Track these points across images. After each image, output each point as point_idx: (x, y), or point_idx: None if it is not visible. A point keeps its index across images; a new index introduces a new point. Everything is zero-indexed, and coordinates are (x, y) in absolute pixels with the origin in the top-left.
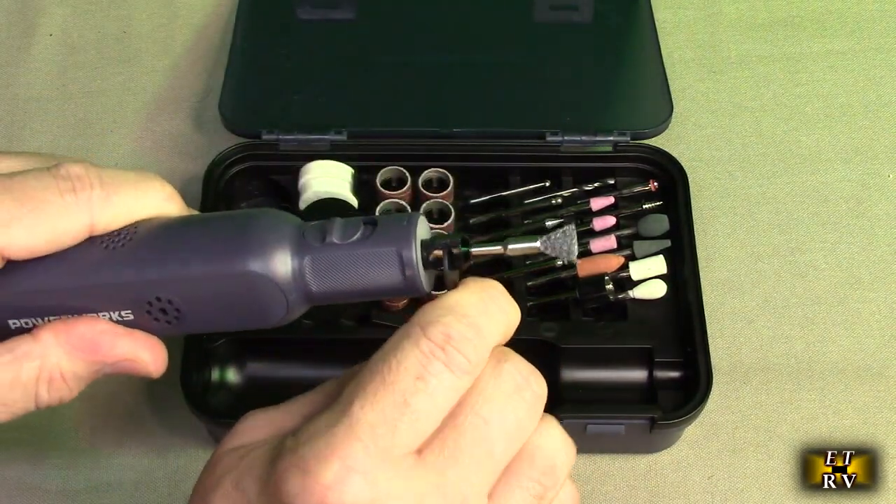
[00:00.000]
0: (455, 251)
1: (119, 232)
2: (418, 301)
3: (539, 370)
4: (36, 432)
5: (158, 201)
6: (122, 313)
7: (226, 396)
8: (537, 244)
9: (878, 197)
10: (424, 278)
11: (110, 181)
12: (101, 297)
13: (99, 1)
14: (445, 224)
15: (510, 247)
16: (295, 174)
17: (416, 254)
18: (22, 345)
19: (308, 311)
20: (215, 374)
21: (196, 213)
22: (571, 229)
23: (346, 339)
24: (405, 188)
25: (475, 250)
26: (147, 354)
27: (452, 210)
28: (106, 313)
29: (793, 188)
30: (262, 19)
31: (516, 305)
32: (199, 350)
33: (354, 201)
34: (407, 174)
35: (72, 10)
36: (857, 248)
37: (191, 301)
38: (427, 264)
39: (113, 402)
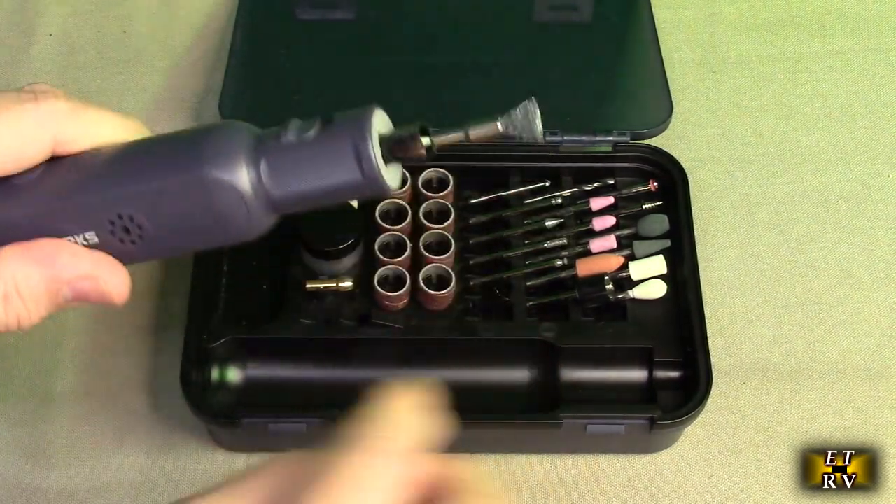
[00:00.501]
0: (415, 141)
1: (81, 155)
2: (419, 302)
3: (539, 370)
4: (36, 432)
5: (124, 127)
6: (86, 236)
7: (226, 396)
8: (497, 124)
9: (878, 197)
10: (386, 174)
11: (77, 100)
12: (62, 218)
13: (99, 1)
14: (445, 224)
15: (471, 132)
16: None
17: (372, 147)
18: None
19: (308, 311)
20: (215, 374)
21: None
22: (532, 104)
23: (346, 339)
24: (405, 188)
25: (437, 139)
26: (109, 276)
27: (452, 210)
28: (70, 237)
29: (793, 188)
30: (262, 19)
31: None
32: (199, 350)
33: (354, 201)
34: (407, 174)
35: (72, 10)
36: (857, 248)
37: (153, 216)
38: (388, 158)
39: (113, 402)
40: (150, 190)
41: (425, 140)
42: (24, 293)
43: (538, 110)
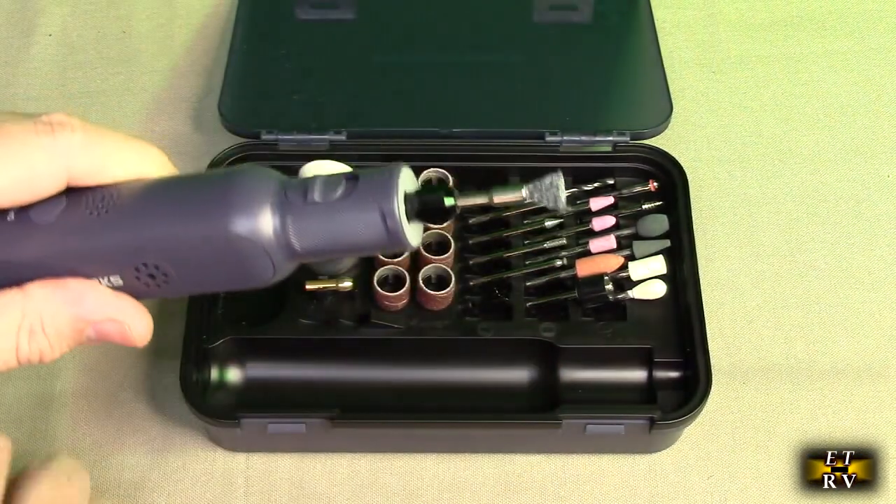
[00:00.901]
0: (439, 204)
1: (102, 196)
2: (418, 303)
3: (539, 370)
4: (36, 432)
5: (141, 158)
6: (111, 278)
7: (226, 396)
8: (522, 192)
9: (878, 197)
10: (409, 232)
11: (94, 130)
12: (87, 262)
13: (99, 1)
14: (445, 224)
15: (495, 197)
16: (294, 174)
17: (398, 210)
18: (6, 294)
19: (308, 312)
20: (215, 374)
21: (177, 174)
22: (558, 176)
23: (346, 338)
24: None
25: (461, 202)
26: (134, 320)
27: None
28: (95, 279)
29: (793, 188)
30: (261, 19)
31: None
32: (199, 350)
33: None
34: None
35: (71, 10)
36: (857, 248)
37: (178, 264)
38: (411, 217)
39: (113, 402)
40: (176, 241)
41: (449, 201)
42: (49, 330)
43: (563, 183)
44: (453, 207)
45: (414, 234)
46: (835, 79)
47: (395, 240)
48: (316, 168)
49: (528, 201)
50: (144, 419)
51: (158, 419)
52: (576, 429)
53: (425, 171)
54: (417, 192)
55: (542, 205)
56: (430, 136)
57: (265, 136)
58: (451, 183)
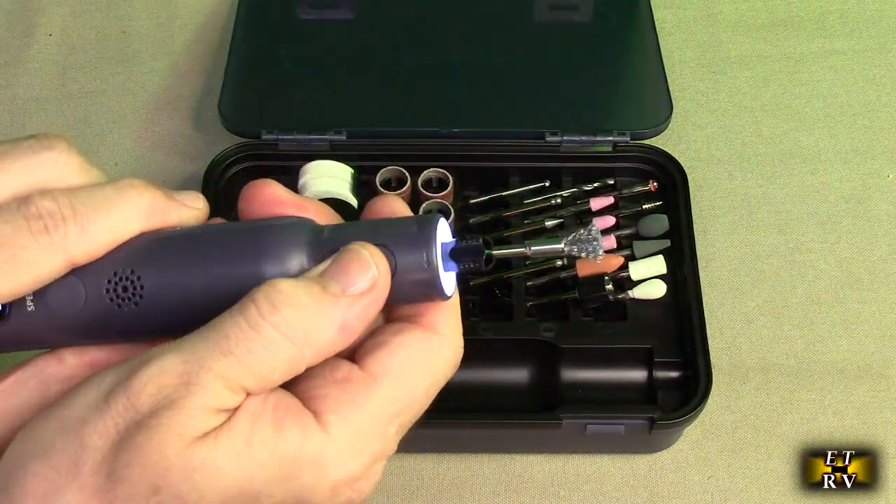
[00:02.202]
0: (477, 254)
1: (124, 287)
2: None
3: (539, 370)
4: None
5: (139, 218)
6: None
7: None
8: (561, 245)
9: (878, 197)
10: (445, 283)
11: (83, 209)
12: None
13: (98, 1)
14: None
15: (532, 248)
16: (294, 174)
17: (438, 269)
18: (47, 367)
19: None
20: None
21: (191, 227)
22: (596, 229)
23: None
24: (405, 188)
25: (497, 253)
26: None
27: (452, 210)
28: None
29: (793, 188)
30: (261, 19)
31: None
32: None
33: (354, 201)
34: (406, 174)
35: (71, 10)
36: (857, 248)
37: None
38: (447, 267)
39: None
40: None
41: (486, 251)
42: None
43: (600, 235)
44: (490, 259)
45: (448, 283)
46: (835, 79)
47: (433, 293)
48: (317, 167)
49: (565, 253)
50: None
51: None
52: (576, 429)
53: (425, 171)
54: (455, 250)
55: (579, 256)
56: (430, 136)
57: (265, 137)
58: (451, 184)
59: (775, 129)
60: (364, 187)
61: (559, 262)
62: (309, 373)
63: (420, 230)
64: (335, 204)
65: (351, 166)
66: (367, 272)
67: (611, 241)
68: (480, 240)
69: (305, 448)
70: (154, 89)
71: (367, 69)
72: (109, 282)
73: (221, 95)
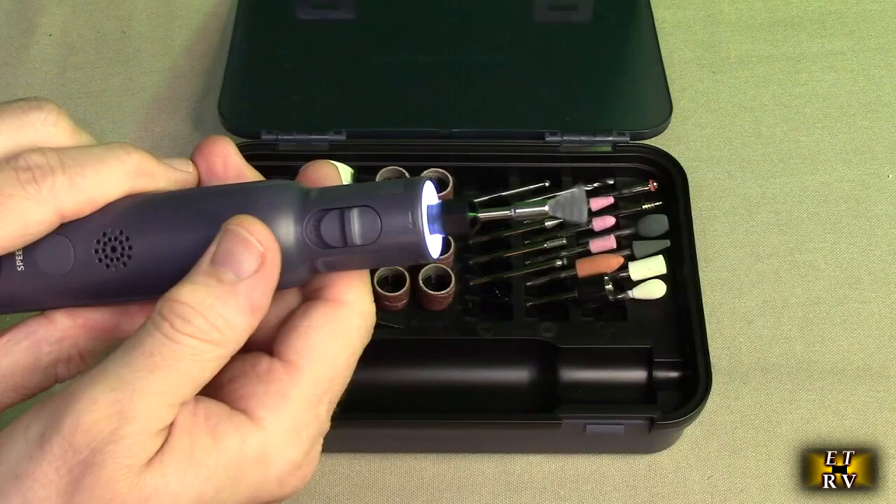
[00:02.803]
0: (462, 214)
1: (112, 247)
2: (419, 303)
3: (538, 370)
4: None
5: (128, 177)
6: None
7: None
8: (545, 208)
9: (878, 197)
10: (431, 245)
11: (72, 163)
12: (102, 301)
13: (98, 1)
14: None
15: (518, 211)
16: (294, 174)
17: (421, 219)
18: (38, 329)
19: None
20: None
21: (179, 190)
22: (581, 191)
23: None
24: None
25: (483, 215)
26: None
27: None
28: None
29: (793, 188)
30: (261, 19)
31: None
32: None
33: None
34: (406, 174)
35: (71, 10)
36: (856, 248)
37: None
38: (433, 229)
39: None
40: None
41: (471, 214)
42: (86, 355)
43: (585, 198)
44: (476, 220)
45: (434, 245)
46: (835, 79)
47: (418, 256)
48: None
49: (550, 215)
50: None
51: None
52: (576, 429)
53: (425, 171)
54: (441, 204)
55: (564, 219)
56: (430, 136)
57: (265, 137)
58: (451, 184)
59: (775, 129)
60: None
61: (559, 262)
62: (229, 374)
63: (406, 191)
64: None
65: (351, 166)
66: (253, 250)
67: (611, 241)
68: (466, 202)
69: (246, 449)
70: (154, 89)
71: (367, 69)
72: (98, 242)
73: (221, 95)
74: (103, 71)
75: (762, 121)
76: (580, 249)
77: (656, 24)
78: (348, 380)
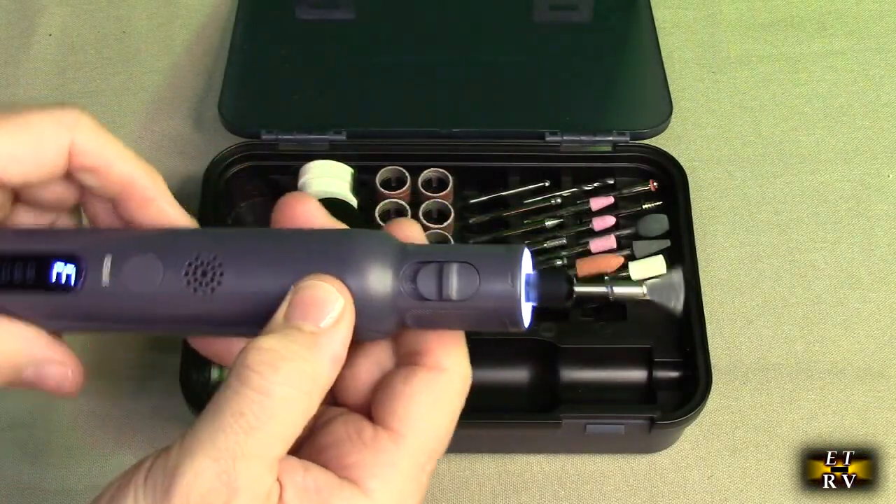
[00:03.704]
0: (560, 289)
1: (203, 272)
2: None
3: (539, 370)
4: (34, 432)
5: (137, 164)
6: None
7: None
8: (643, 289)
9: (878, 197)
10: (524, 312)
11: (101, 125)
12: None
13: (99, 1)
14: (445, 224)
15: (615, 290)
16: (294, 174)
17: (521, 295)
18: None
19: None
20: (215, 374)
21: (280, 228)
22: (679, 276)
23: None
24: (405, 188)
25: (579, 289)
26: (76, 366)
27: (452, 210)
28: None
29: (793, 188)
30: (261, 19)
31: None
32: None
33: (354, 201)
34: (406, 174)
35: (71, 10)
36: (856, 248)
37: None
38: (528, 298)
39: (112, 401)
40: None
41: (567, 286)
42: None
43: (682, 285)
44: (571, 293)
45: (527, 314)
46: (835, 79)
47: (510, 321)
48: (317, 167)
49: (646, 298)
50: (144, 419)
51: (158, 419)
52: (576, 429)
53: (425, 171)
54: (539, 276)
55: (660, 304)
56: (430, 136)
57: (265, 136)
58: (451, 184)
59: (775, 129)
60: (364, 187)
61: (558, 262)
62: (331, 436)
63: (507, 254)
64: (335, 204)
65: (351, 166)
66: (334, 298)
67: (611, 241)
68: (564, 275)
69: None
70: (154, 89)
71: (367, 69)
72: (190, 264)
73: (221, 95)
74: (103, 71)
75: (762, 121)
76: (580, 249)
77: (656, 24)
78: (447, 444)
